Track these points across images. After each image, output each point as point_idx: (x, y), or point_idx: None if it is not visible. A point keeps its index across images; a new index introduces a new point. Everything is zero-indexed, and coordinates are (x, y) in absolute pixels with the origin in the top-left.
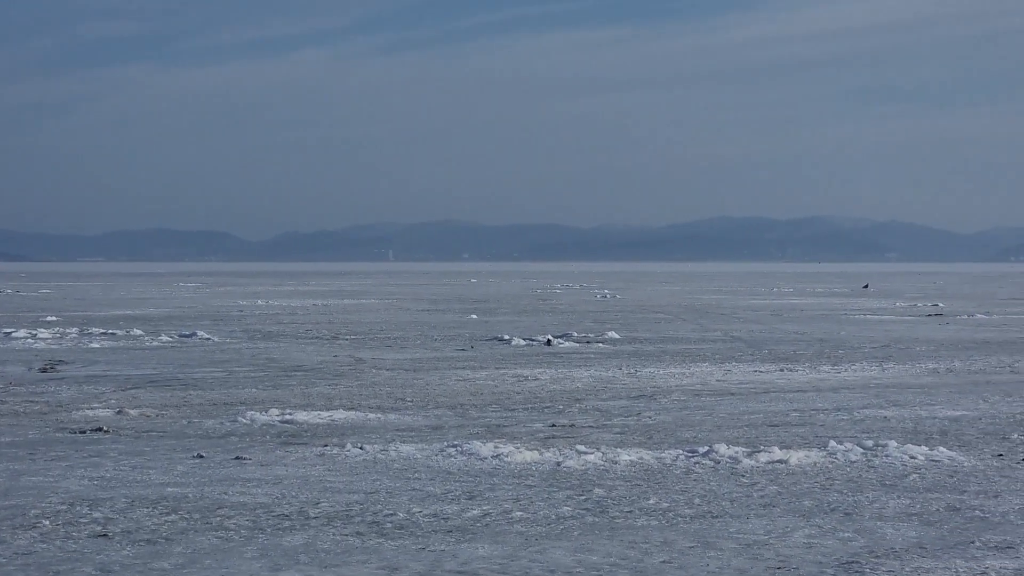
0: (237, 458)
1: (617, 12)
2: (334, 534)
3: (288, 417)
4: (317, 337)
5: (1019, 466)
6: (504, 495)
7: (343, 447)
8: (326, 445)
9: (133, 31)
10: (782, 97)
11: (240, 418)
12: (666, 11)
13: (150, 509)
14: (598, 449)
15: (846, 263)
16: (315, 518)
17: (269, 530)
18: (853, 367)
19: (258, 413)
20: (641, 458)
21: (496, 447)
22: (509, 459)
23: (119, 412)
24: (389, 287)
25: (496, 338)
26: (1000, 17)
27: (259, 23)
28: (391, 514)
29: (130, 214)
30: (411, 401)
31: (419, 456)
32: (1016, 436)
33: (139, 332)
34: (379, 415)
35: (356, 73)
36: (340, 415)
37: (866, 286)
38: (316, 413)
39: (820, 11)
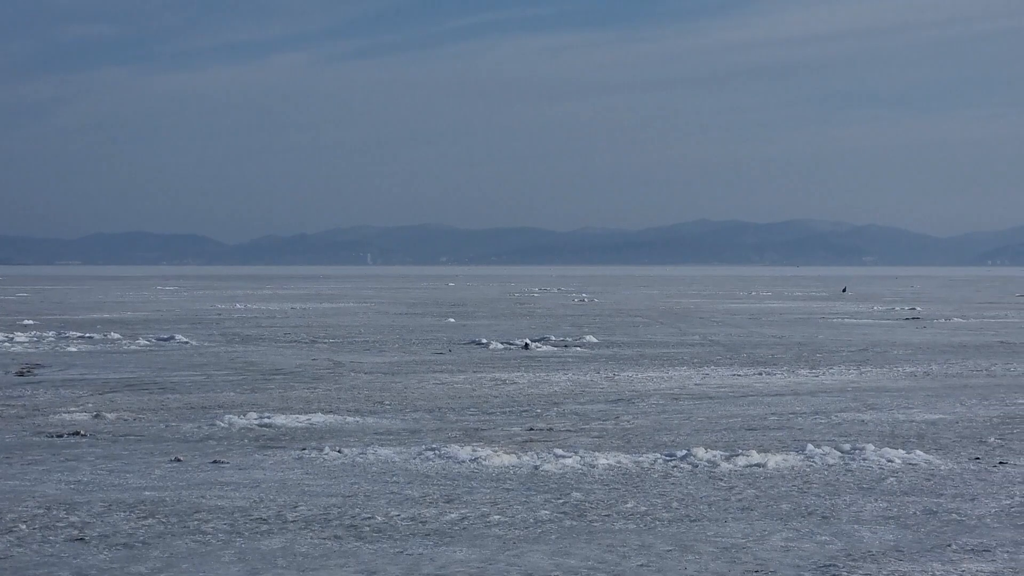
0: (215, 462)
1: (596, 16)
2: (312, 537)
3: (266, 421)
4: (295, 341)
5: (995, 469)
6: (482, 498)
7: (321, 450)
8: (304, 448)
9: (111, 34)
10: (762, 101)
11: (218, 422)
12: (645, 15)
13: (127, 513)
14: (576, 453)
15: (824, 267)
16: (293, 522)
17: (247, 534)
18: (831, 371)
19: (236, 417)
20: (619, 462)
21: (474, 450)
22: (487, 463)
23: (96, 416)
24: (367, 291)
25: (474, 342)
26: (977, 22)
27: (237, 27)
28: (369, 517)
29: (108, 218)
30: (389, 404)
31: (397, 459)
32: (993, 439)
33: (117, 336)
34: (357, 418)
35: (334, 77)
36: (318, 418)
37: (844, 290)
38: (294, 416)
39: (800, 16)
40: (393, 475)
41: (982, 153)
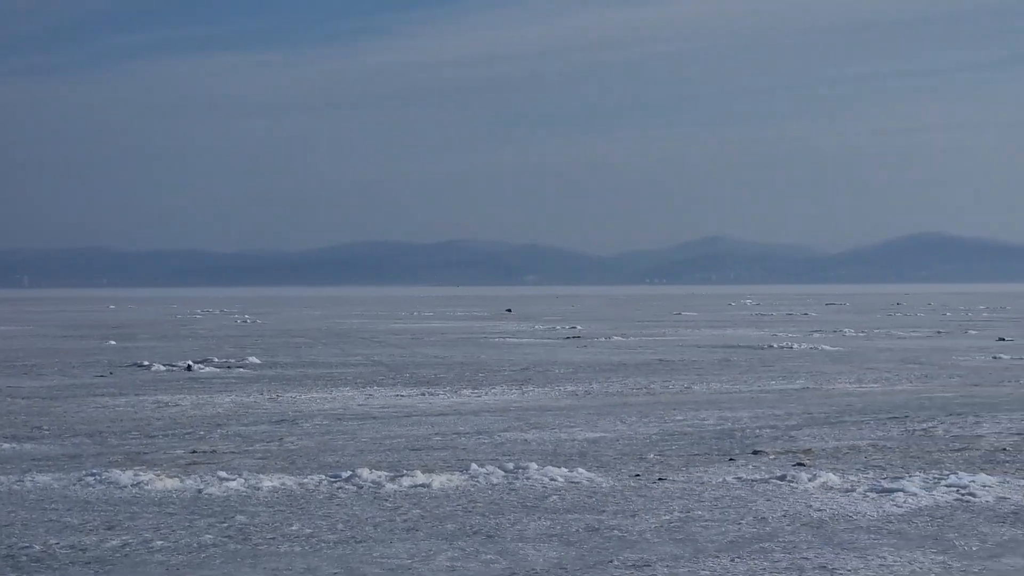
0: None
1: (266, 36)
2: None
3: None
4: None
5: (655, 485)
6: (144, 524)
7: None
8: None
9: None
10: (420, 122)
11: None
12: (319, 35)
13: None
14: (240, 475)
15: (486, 287)
16: None
17: None
18: (494, 390)
19: None
20: (284, 483)
21: (136, 475)
22: (149, 487)
23: None
24: (25, 313)
25: (136, 364)
26: (645, 44)
27: None
28: (27, 547)
29: None
30: (48, 430)
31: (56, 486)
32: (652, 456)
33: None
34: (14, 445)
35: None
36: None
37: (509, 310)
38: None
39: (473, 36)
40: (52, 502)
41: (639, 174)
